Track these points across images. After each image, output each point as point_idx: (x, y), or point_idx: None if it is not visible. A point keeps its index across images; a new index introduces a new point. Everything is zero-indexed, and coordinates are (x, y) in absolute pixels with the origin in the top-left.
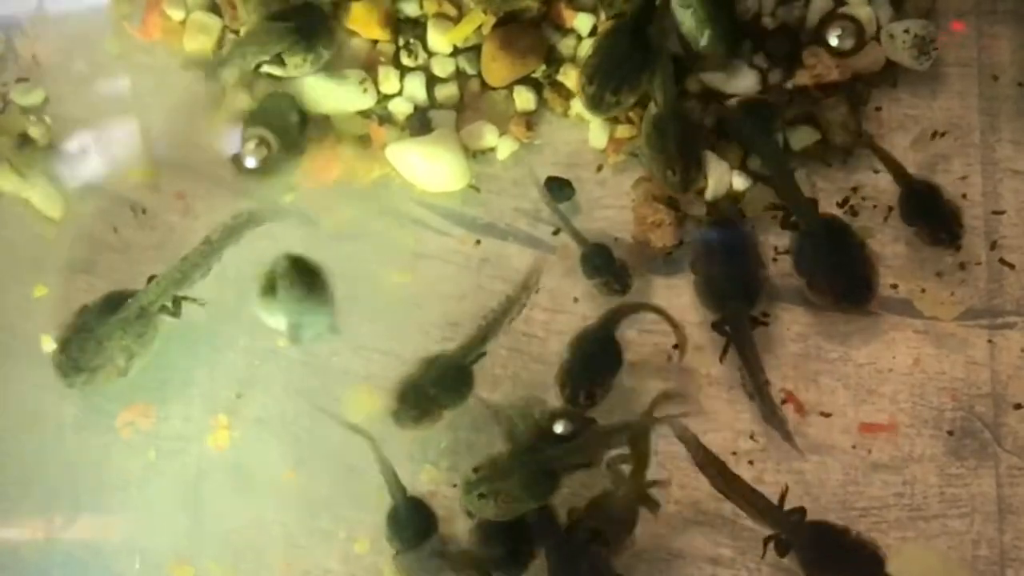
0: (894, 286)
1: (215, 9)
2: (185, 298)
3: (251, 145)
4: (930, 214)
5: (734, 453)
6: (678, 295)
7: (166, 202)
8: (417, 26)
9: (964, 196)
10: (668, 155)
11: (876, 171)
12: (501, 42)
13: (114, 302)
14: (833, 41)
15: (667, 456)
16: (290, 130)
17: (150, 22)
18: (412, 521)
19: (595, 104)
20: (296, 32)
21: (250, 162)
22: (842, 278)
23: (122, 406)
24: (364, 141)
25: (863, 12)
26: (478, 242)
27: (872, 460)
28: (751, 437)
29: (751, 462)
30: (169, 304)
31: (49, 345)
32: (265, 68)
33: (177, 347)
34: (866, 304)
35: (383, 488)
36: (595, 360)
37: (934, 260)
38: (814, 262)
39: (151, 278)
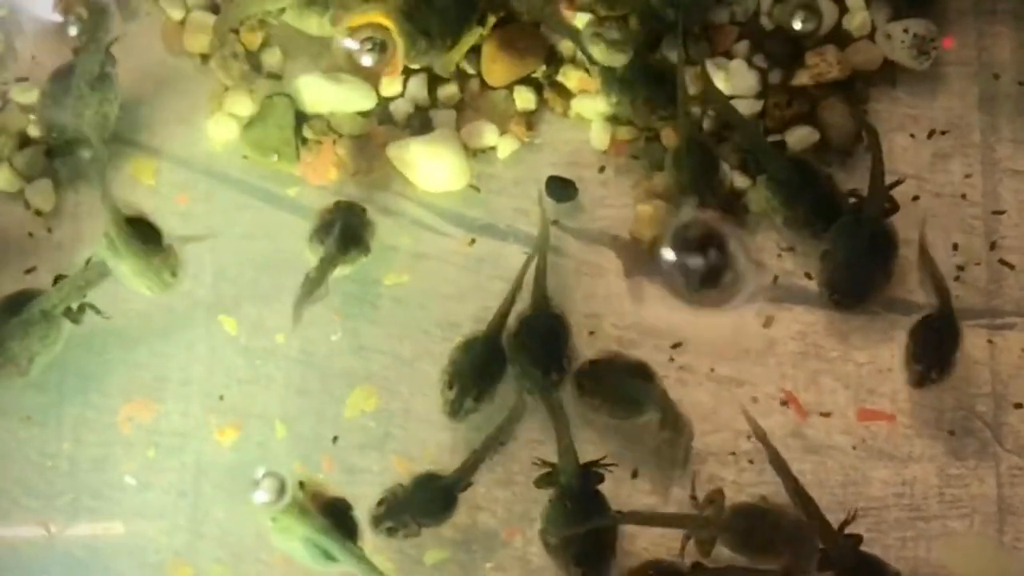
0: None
1: (215, 9)
2: (90, 306)
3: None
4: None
5: (733, 453)
6: (679, 295)
7: (167, 204)
8: None
9: (964, 196)
10: (682, 188)
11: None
12: (501, 42)
13: (17, 303)
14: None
15: None
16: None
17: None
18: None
19: None
20: None
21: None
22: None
23: (122, 402)
24: (364, 140)
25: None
26: (473, 241)
27: (872, 460)
28: (749, 437)
29: (751, 461)
30: (73, 308)
31: None
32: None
33: (176, 345)
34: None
35: (383, 488)
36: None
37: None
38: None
39: (56, 279)
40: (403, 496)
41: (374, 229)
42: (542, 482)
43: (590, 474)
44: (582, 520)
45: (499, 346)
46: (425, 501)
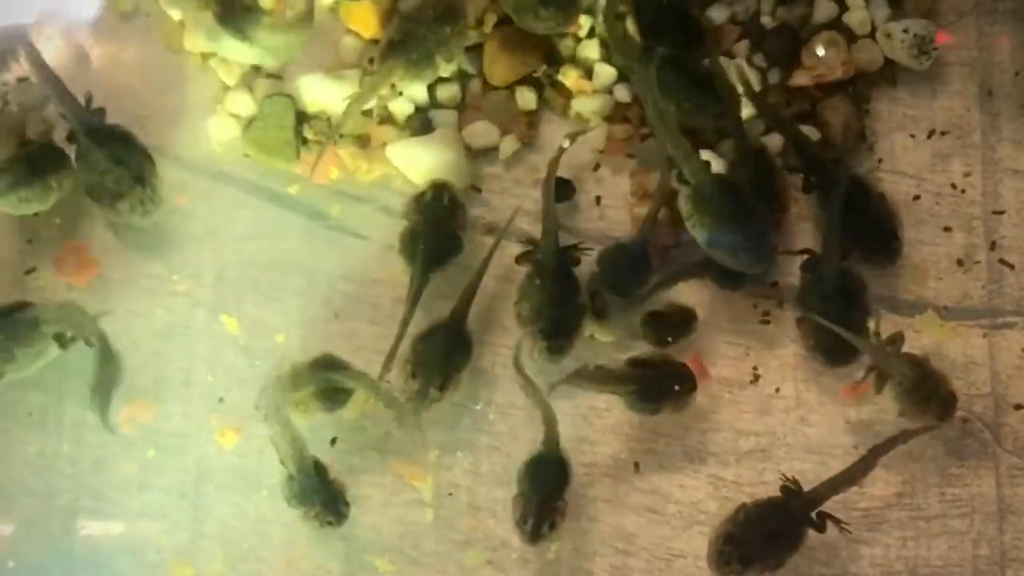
0: (892, 286)
1: None
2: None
3: None
4: None
5: (734, 453)
6: (677, 294)
7: (167, 203)
8: None
9: (964, 196)
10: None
11: (877, 170)
12: (502, 42)
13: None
14: (820, 51)
15: (666, 456)
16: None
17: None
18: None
19: None
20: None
21: None
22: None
23: (123, 402)
24: (364, 140)
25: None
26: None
27: None
28: (750, 437)
29: (752, 462)
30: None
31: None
32: None
33: (176, 346)
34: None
35: (383, 489)
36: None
37: (934, 260)
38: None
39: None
40: (532, 494)
41: (466, 213)
42: (522, 258)
43: (567, 256)
44: (551, 296)
45: (462, 332)
46: (549, 480)
